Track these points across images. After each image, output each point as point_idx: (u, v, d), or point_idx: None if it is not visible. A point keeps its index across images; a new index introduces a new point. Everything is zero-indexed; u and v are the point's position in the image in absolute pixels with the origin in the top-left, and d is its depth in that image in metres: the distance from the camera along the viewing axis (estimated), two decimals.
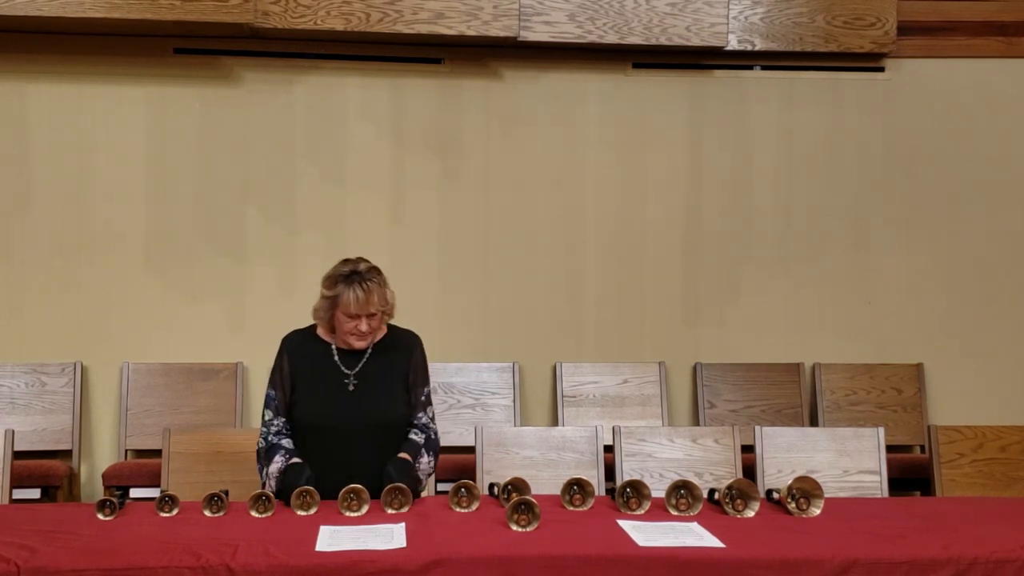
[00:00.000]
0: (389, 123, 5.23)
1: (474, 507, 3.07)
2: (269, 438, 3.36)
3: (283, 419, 3.39)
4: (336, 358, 3.38)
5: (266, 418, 3.40)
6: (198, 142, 5.13)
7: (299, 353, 3.41)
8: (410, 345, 3.46)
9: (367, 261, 3.38)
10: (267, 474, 3.30)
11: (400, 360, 3.42)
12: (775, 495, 3.18)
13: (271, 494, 3.06)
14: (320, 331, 3.44)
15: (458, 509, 3.07)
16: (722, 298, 5.40)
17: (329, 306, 3.33)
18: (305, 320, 5.13)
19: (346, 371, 3.36)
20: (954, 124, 5.45)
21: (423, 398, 3.45)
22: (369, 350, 3.40)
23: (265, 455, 3.34)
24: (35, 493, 4.61)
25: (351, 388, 3.35)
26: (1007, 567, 2.65)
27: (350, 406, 3.33)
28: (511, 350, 5.16)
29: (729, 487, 3.07)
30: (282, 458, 3.29)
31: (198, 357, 5.09)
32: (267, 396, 3.42)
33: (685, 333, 5.37)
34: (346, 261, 3.39)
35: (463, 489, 3.11)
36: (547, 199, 5.32)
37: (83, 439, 5.01)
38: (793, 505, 3.08)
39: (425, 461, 3.36)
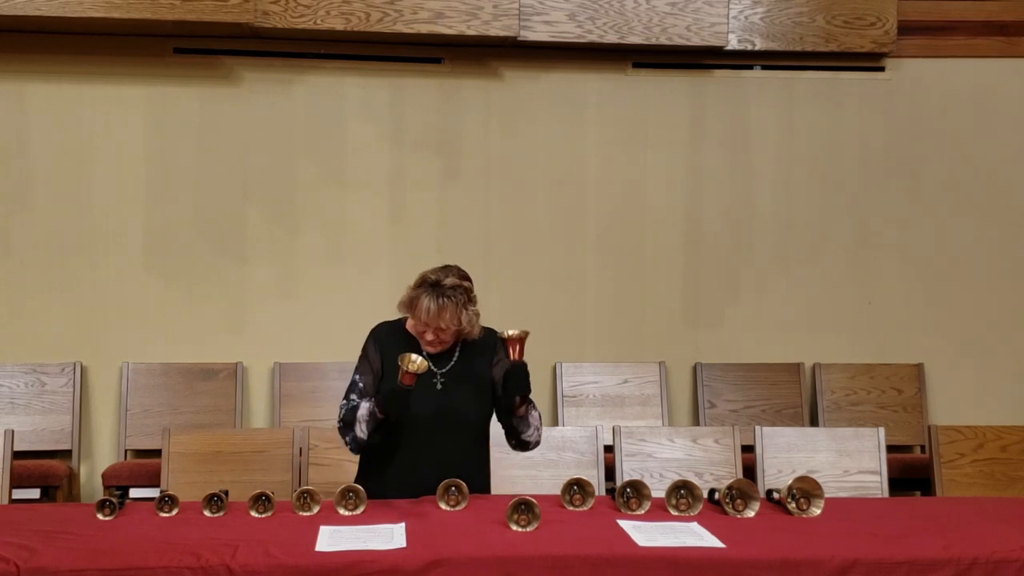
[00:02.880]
0: (389, 123, 5.23)
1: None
2: (346, 410, 3.33)
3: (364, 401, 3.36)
4: (425, 355, 3.34)
5: (348, 397, 3.36)
6: (198, 142, 5.13)
7: (389, 345, 3.38)
8: (492, 342, 3.44)
9: (460, 276, 3.30)
10: (358, 424, 3.25)
11: (485, 359, 3.42)
12: (775, 495, 3.18)
13: (270, 494, 3.05)
14: (410, 325, 3.41)
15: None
16: (722, 298, 5.39)
17: (409, 304, 3.30)
18: (302, 321, 5.17)
19: (435, 369, 3.35)
20: (954, 124, 5.45)
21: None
22: (458, 350, 3.38)
23: (346, 419, 3.31)
24: (35, 493, 4.61)
25: (439, 387, 3.34)
26: (1007, 567, 2.65)
27: (437, 405, 3.31)
28: None
29: (729, 487, 3.07)
30: (366, 402, 3.27)
31: (198, 357, 5.09)
32: (352, 381, 3.39)
33: (685, 333, 5.37)
34: (445, 267, 3.33)
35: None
36: (547, 199, 5.32)
37: (83, 439, 5.01)
38: (793, 505, 3.08)
39: (536, 414, 3.36)
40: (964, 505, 3.34)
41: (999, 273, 5.46)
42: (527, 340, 3.28)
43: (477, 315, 3.34)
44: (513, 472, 3.86)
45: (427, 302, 3.23)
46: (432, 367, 3.33)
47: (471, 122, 5.27)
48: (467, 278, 3.34)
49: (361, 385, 3.39)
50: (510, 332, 3.24)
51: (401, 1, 4.91)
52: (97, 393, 5.09)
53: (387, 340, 3.41)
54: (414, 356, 3.13)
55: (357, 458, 3.43)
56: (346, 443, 3.33)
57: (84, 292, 5.07)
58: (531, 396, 3.37)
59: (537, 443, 3.42)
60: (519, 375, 3.26)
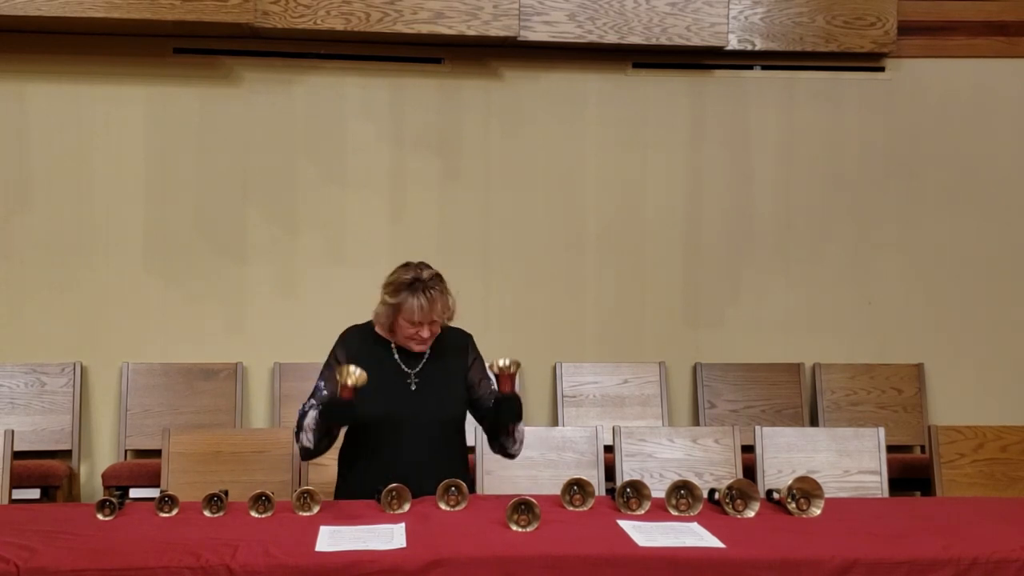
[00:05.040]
0: (389, 123, 5.23)
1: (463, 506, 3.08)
2: (299, 415, 3.33)
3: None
4: (397, 357, 3.38)
5: (308, 401, 3.36)
6: (198, 142, 5.13)
7: (358, 351, 3.39)
8: (464, 343, 3.48)
9: (429, 267, 3.35)
10: (304, 432, 3.25)
11: (458, 358, 3.44)
12: (775, 495, 3.18)
13: (270, 494, 3.05)
14: (379, 328, 3.43)
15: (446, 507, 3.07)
16: (722, 298, 5.39)
17: (391, 312, 3.31)
18: (302, 321, 5.16)
19: (407, 370, 3.37)
20: (954, 124, 5.45)
21: (492, 387, 3.48)
22: (429, 350, 3.40)
23: (299, 424, 3.31)
24: (35, 493, 4.61)
25: (413, 388, 3.36)
26: (1007, 567, 2.65)
27: (413, 405, 3.33)
28: (511, 350, 5.12)
29: (729, 487, 3.07)
30: (314, 409, 3.27)
31: (198, 357, 5.09)
32: (315, 387, 3.39)
33: (685, 333, 5.37)
34: (407, 266, 3.35)
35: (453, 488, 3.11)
36: (547, 199, 5.32)
37: (83, 439, 5.01)
38: (793, 505, 3.08)
39: (521, 426, 3.41)
40: (964, 505, 3.34)
41: (999, 273, 5.46)
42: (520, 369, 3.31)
43: (454, 301, 3.36)
44: (513, 472, 3.85)
45: (417, 301, 3.25)
46: (404, 367, 3.36)
47: (471, 122, 5.27)
48: (432, 266, 3.36)
49: (324, 392, 3.37)
50: (501, 364, 3.23)
51: (401, 1, 4.91)
52: (97, 393, 5.09)
53: (357, 344, 3.42)
54: (352, 368, 3.12)
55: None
56: (298, 441, 3.32)
57: (84, 292, 5.07)
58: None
59: (518, 453, 3.48)
60: (512, 406, 3.31)
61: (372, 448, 3.33)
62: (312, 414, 3.27)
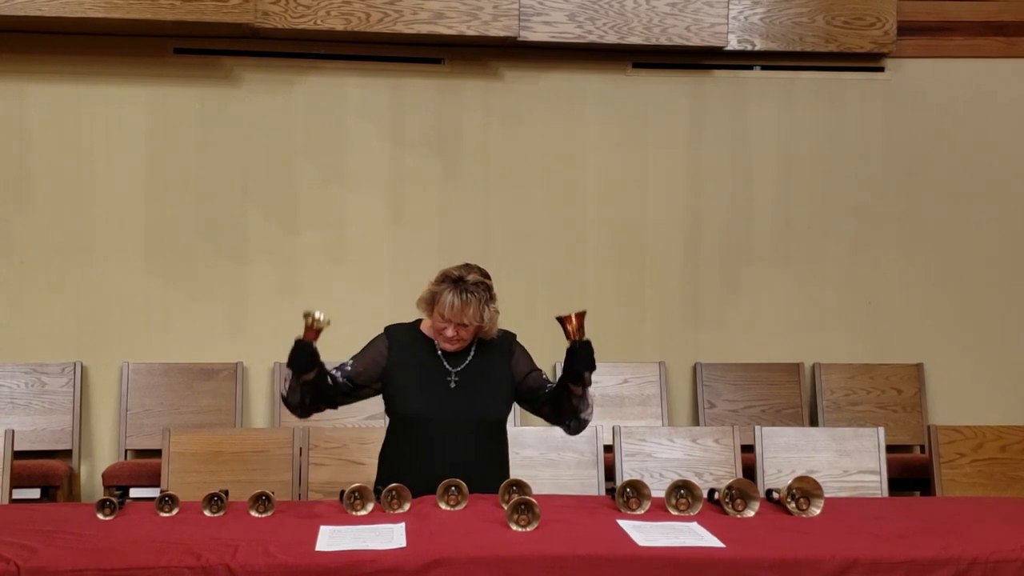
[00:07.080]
0: (389, 123, 5.23)
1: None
2: None
3: (344, 379, 3.35)
4: (440, 354, 3.37)
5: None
6: (198, 142, 5.13)
7: (402, 345, 3.39)
8: (509, 346, 3.45)
9: (482, 274, 3.34)
10: (284, 381, 3.27)
11: (502, 360, 3.42)
12: (775, 495, 3.18)
13: (270, 494, 3.05)
14: (424, 327, 3.42)
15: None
16: (722, 298, 5.40)
17: (430, 299, 3.32)
18: (302, 321, 5.15)
19: (449, 368, 3.36)
20: (954, 124, 5.45)
21: (544, 376, 3.47)
22: (473, 349, 3.39)
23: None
24: (35, 493, 4.61)
25: (453, 385, 3.35)
26: (1007, 567, 2.65)
27: (451, 403, 3.32)
28: None
29: (729, 487, 3.07)
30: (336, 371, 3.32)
31: (198, 357, 5.09)
32: (342, 363, 3.39)
33: (685, 333, 5.37)
34: (467, 265, 3.36)
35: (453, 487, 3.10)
36: (547, 199, 5.32)
37: (83, 439, 5.01)
38: (793, 505, 3.08)
39: (592, 391, 3.34)
40: (964, 505, 3.35)
41: (999, 273, 5.47)
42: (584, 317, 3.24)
43: (497, 314, 3.35)
44: (512, 473, 3.85)
45: (451, 297, 3.25)
46: (447, 364, 3.35)
47: (471, 122, 5.27)
48: (488, 276, 3.36)
49: (349, 368, 3.38)
50: (568, 313, 3.19)
51: (401, 1, 4.91)
52: (97, 393, 5.09)
53: (402, 341, 3.40)
54: (317, 312, 3.13)
55: (373, 459, 3.45)
56: (288, 401, 3.33)
57: (84, 292, 5.07)
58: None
59: (591, 418, 3.39)
60: (587, 353, 3.24)
61: (409, 445, 3.32)
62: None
